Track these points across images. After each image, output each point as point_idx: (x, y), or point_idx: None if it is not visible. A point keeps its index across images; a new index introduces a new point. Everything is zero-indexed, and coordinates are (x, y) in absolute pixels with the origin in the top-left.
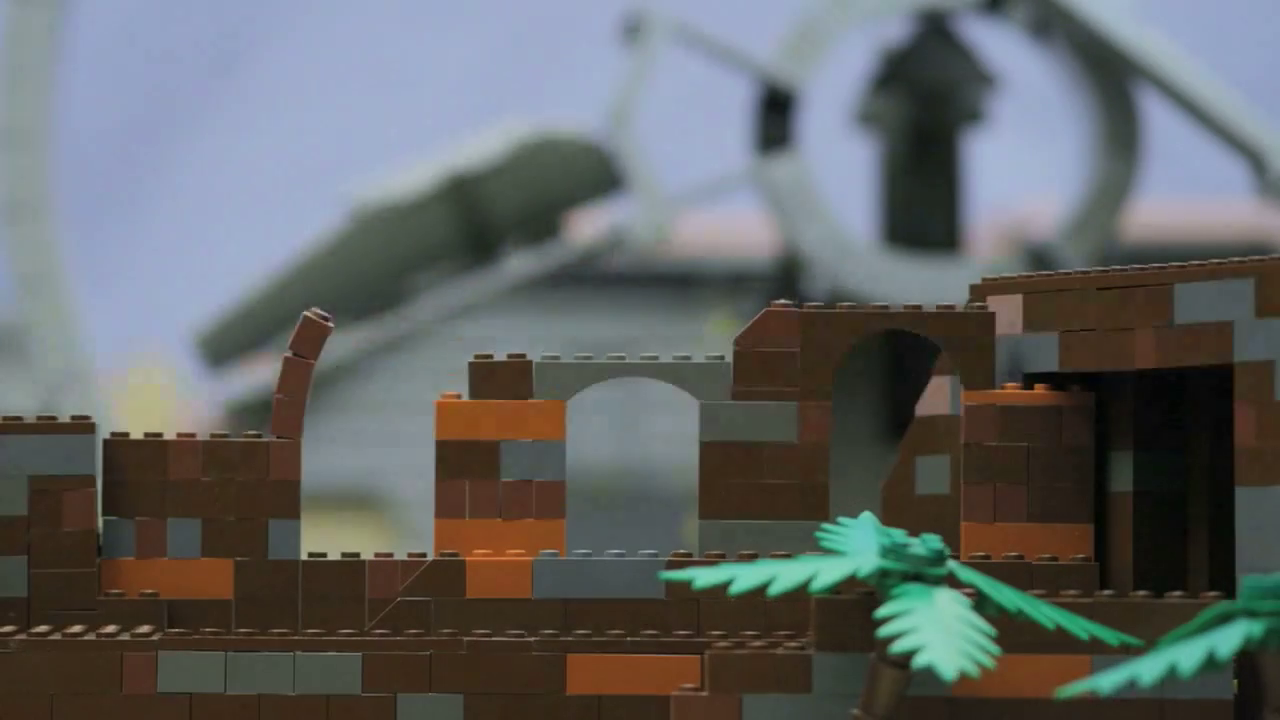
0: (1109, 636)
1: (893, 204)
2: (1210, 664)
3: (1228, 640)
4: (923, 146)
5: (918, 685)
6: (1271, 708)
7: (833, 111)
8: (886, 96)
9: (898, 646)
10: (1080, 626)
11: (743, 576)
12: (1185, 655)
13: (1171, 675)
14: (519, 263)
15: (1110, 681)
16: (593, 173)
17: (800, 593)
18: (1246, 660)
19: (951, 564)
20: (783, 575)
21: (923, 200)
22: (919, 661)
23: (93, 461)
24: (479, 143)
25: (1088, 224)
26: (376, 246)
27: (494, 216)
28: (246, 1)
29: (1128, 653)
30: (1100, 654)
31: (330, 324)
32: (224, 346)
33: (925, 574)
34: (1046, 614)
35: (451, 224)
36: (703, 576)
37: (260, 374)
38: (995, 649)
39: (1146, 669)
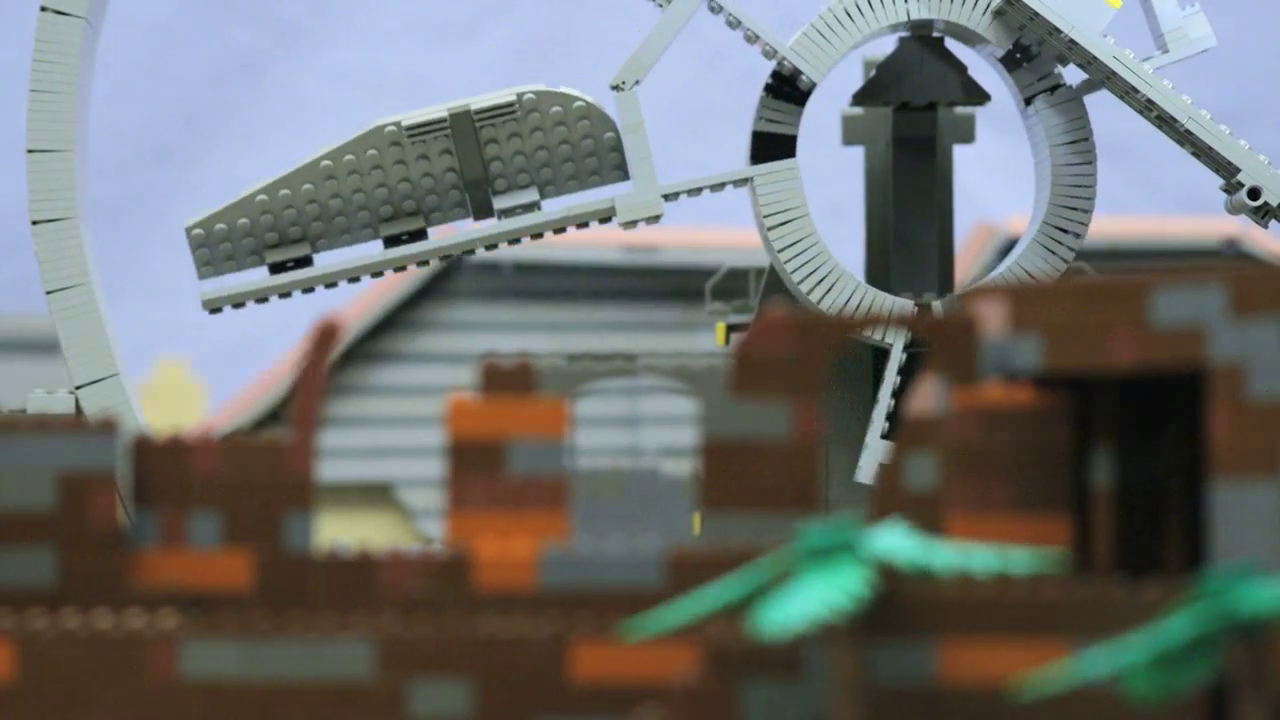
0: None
1: (882, 238)
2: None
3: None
4: (911, 169)
5: (897, 673)
6: None
7: (825, 134)
8: (873, 117)
9: (757, 626)
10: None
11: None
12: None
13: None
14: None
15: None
16: (595, 138)
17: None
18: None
19: (878, 533)
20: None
21: (913, 234)
22: (764, 632)
23: (117, 459)
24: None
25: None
26: (374, 163)
27: (493, 160)
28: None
29: (1096, 638)
30: (1078, 640)
31: (343, 326)
32: (217, 249)
33: (826, 549)
34: (945, 562)
35: (451, 158)
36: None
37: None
38: (841, 607)
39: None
